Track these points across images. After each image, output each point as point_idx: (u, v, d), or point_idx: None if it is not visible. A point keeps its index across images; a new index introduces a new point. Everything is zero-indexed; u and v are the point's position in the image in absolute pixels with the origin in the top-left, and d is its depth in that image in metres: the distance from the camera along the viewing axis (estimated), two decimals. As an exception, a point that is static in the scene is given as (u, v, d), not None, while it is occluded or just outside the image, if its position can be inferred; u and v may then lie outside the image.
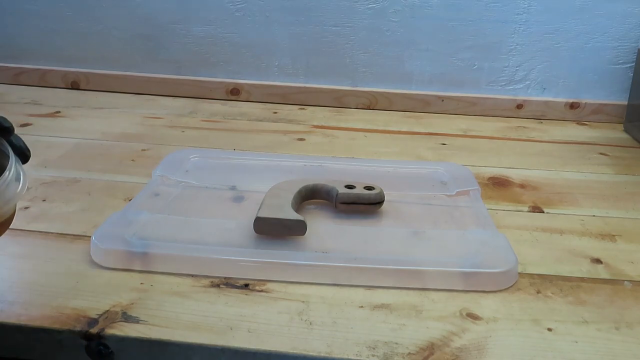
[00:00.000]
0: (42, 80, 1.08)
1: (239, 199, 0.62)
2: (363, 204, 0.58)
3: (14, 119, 0.95)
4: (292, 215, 0.52)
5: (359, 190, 0.59)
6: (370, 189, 0.59)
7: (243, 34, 1.02)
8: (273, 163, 0.71)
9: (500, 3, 0.95)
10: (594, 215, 0.63)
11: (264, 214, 0.52)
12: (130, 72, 1.06)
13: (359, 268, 0.48)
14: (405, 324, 0.43)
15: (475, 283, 0.48)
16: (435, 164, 0.74)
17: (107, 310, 0.43)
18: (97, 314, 0.43)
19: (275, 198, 0.55)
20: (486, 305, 0.46)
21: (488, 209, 0.62)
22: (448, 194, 0.64)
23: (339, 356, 0.40)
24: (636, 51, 0.93)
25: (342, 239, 0.54)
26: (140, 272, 0.48)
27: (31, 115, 0.91)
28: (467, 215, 0.60)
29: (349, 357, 0.40)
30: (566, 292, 0.48)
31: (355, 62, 1.02)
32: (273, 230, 0.52)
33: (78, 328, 0.41)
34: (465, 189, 0.65)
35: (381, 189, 0.59)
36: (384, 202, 0.59)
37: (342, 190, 0.58)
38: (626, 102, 0.96)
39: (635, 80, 0.93)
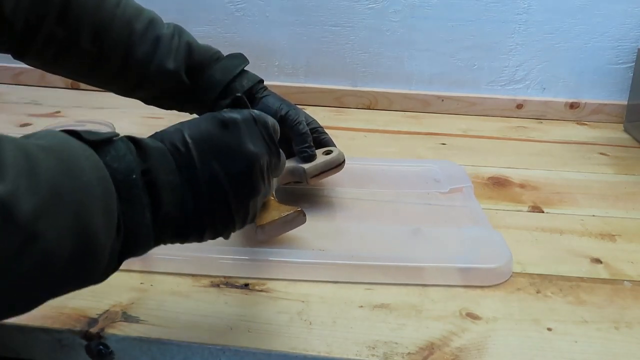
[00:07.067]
0: (42, 80, 1.08)
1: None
2: (332, 169, 0.60)
3: (14, 119, 0.95)
4: (288, 208, 0.51)
5: (320, 158, 0.60)
6: (329, 153, 0.60)
7: (243, 34, 1.02)
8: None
9: (500, 3, 0.95)
10: (593, 215, 0.63)
11: (263, 220, 0.50)
12: (130, 72, 1.06)
13: (358, 265, 0.49)
14: (405, 324, 0.43)
15: (471, 278, 0.48)
16: (429, 161, 0.74)
17: (107, 310, 0.43)
18: (97, 314, 0.43)
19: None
20: (486, 305, 0.46)
21: (488, 209, 0.62)
22: (441, 191, 0.65)
23: (338, 356, 0.40)
24: (636, 51, 0.93)
25: (340, 237, 0.54)
26: (140, 272, 0.48)
27: (31, 115, 0.91)
28: (462, 213, 0.60)
29: (349, 357, 0.40)
30: (566, 292, 0.48)
31: (355, 62, 1.02)
32: (277, 231, 0.51)
33: (78, 328, 0.41)
34: (459, 187, 0.65)
35: (339, 150, 0.61)
36: (382, 202, 0.60)
37: (306, 166, 0.59)
38: (626, 102, 0.96)
39: (635, 80, 0.93)
